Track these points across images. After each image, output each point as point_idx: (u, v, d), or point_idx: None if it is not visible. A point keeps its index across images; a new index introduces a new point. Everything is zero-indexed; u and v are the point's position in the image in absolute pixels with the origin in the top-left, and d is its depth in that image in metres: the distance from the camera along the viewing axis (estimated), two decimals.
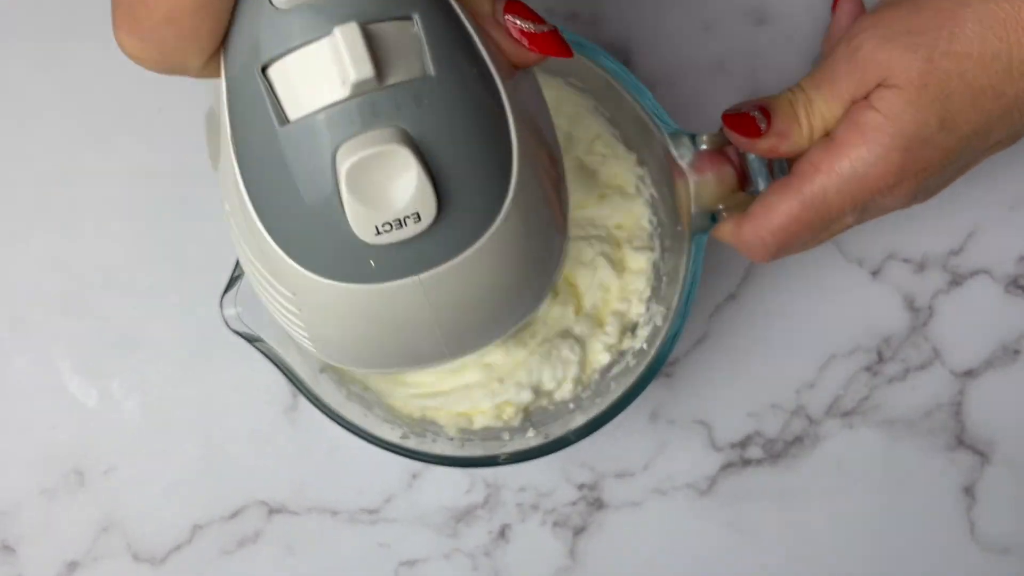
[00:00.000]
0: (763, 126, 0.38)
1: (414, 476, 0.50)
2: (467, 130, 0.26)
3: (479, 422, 0.46)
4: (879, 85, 0.37)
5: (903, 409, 0.51)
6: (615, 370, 0.45)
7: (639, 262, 0.46)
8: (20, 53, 0.49)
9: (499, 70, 0.27)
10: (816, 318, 0.51)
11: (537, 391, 0.45)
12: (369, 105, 0.25)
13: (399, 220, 0.25)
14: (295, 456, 0.50)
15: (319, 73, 0.25)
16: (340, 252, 0.26)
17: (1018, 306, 0.51)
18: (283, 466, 0.50)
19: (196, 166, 0.49)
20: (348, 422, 0.42)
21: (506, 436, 0.45)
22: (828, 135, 0.38)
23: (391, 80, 0.25)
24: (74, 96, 0.49)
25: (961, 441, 0.51)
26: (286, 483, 0.50)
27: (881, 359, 0.51)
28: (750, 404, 0.51)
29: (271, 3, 0.25)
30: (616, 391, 0.43)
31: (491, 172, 0.27)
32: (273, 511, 0.50)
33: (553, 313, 0.46)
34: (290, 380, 0.41)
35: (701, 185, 0.41)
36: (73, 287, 0.49)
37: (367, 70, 0.24)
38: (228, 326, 0.40)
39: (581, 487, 0.50)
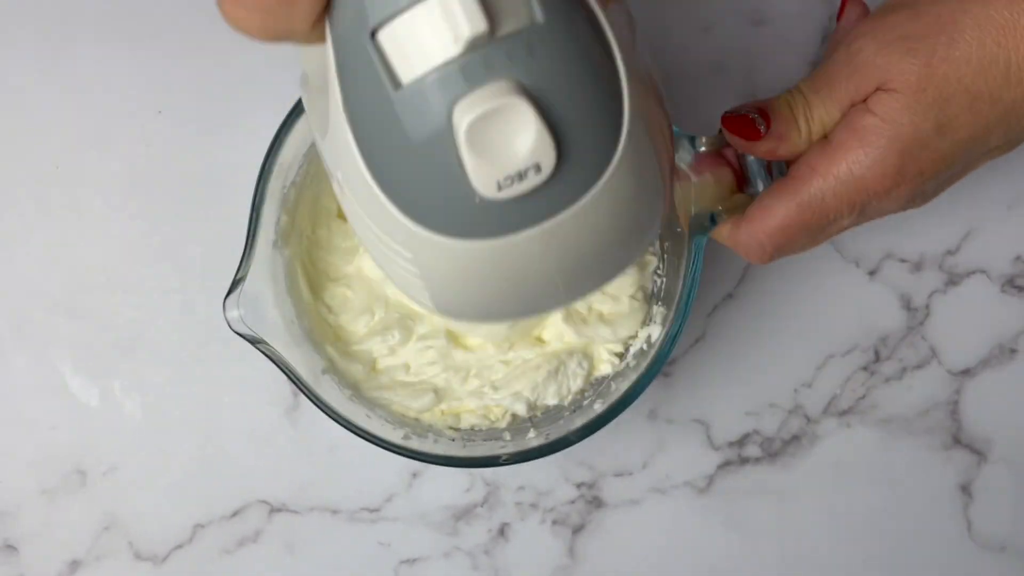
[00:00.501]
0: (762, 128, 0.39)
1: (414, 475, 0.50)
2: (580, 75, 0.26)
3: (467, 421, 0.46)
4: (877, 89, 0.37)
5: (900, 408, 0.51)
6: (616, 368, 0.46)
7: (641, 264, 0.46)
8: (22, 55, 0.49)
9: (601, 5, 0.27)
10: (813, 318, 0.51)
11: (533, 405, 0.46)
12: (482, 59, 0.25)
13: (520, 173, 0.25)
14: (295, 455, 0.50)
15: (430, 32, 0.24)
16: (461, 209, 0.26)
17: (1014, 305, 0.51)
18: (283, 465, 0.50)
19: (196, 168, 0.50)
20: (350, 423, 0.42)
21: (507, 436, 0.45)
22: (826, 138, 0.39)
23: (501, 31, 0.25)
24: (75, 97, 0.49)
25: (958, 440, 0.51)
26: (287, 482, 0.50)
27: (878, 358, 0.51)
28: (748, 403, 0.51)
29: None
30: (616, 392, 0.43)
31: (605, 115, 0.27)
32: (274, 510, 0.50)
33: (562, 327, 0.47)
34: (293, 381, 0.41)
35: (700, 187, 0.41)
36: (74, 288, 0.49)
37: (481, 24, 0.24)
38: (231, 328, 0.40)
39: (580, 486, 0.51)
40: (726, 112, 0.39)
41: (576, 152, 0.26)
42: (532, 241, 0.27)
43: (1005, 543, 0.51)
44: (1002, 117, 0.37)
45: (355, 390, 0.45)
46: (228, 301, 0.40)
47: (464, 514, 0.50)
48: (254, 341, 0.40)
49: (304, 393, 0.41)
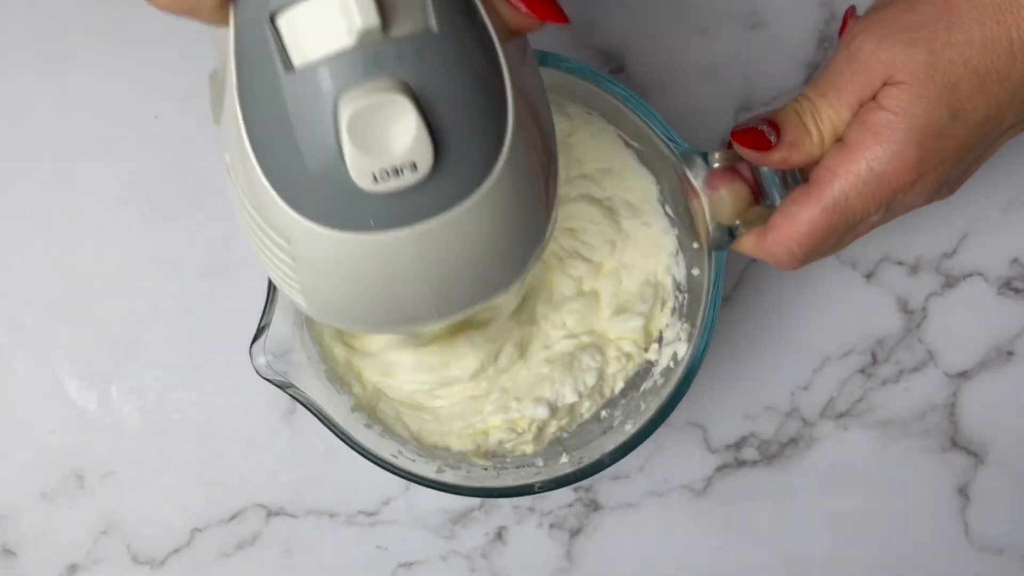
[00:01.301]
0: (772, 138, 0.38)
1: None
2: (465, 86, 0.27)
3: (494, 437, 0.46)
4: (885, 84, 0.37)
5: (897, 410, 0.51)
6: (644, 387, 0.46)
7: (658, 276, 0.47)
8: (21, 60, 0.49)
9: (498, 33, 0.28)
10: (810, 321, 0.51)
11: (554, 407, 0.46)
12: (373, 55, 0.26)
13: (396, 169, 0.26)
14: (293, 459, 0.50)
15: (326, 23, 0.26)
16: (337, 199, 0.27)
17: (1011, 308, 0.51)
18: (281, 469, 0.50)
19: (193, 172, 0.50)
20: (385, 461, 0.42)
21: (540, 463, 0.45)
22: (841, 140, 0.38)
23: (395, 33, 0.26)
24: (74, 103, 0.50)
25: (955, 442, 0.51)
26: (284, 486, 0.50)
27: (875, 361, 0.51)
28: (745, 406, 0.51)
29: None
30: (647, 411, 0.43)
31: (487, 129, 0.28)
32: (271, 514, 0.50)
33: (580, 319, 0.47)
34: (324, 423, 0.41)
35: (716, 202, 0.41)
36: (73, 292, 0.50)
37: (373, 19, 0.25)
38: (259, 374, 0.40)
39: (577, 489, 0.51)
40: (735, 127, 0.39)
41: (455, 158, 0.27)
42: (403, 242, 0.28)
43: (1002, 545, 0.51)
44: (1013, 94, 0.36)
45: (384, 426, 0.45)
46: (254, 348, 0.40)
47: (461, 517, 0.50)
48: (283, 386, 0.40)
49: (336, 434, 0.41)
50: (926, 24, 0.36)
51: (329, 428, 0.41)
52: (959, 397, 0.51)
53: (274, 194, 0.28)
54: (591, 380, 0.46)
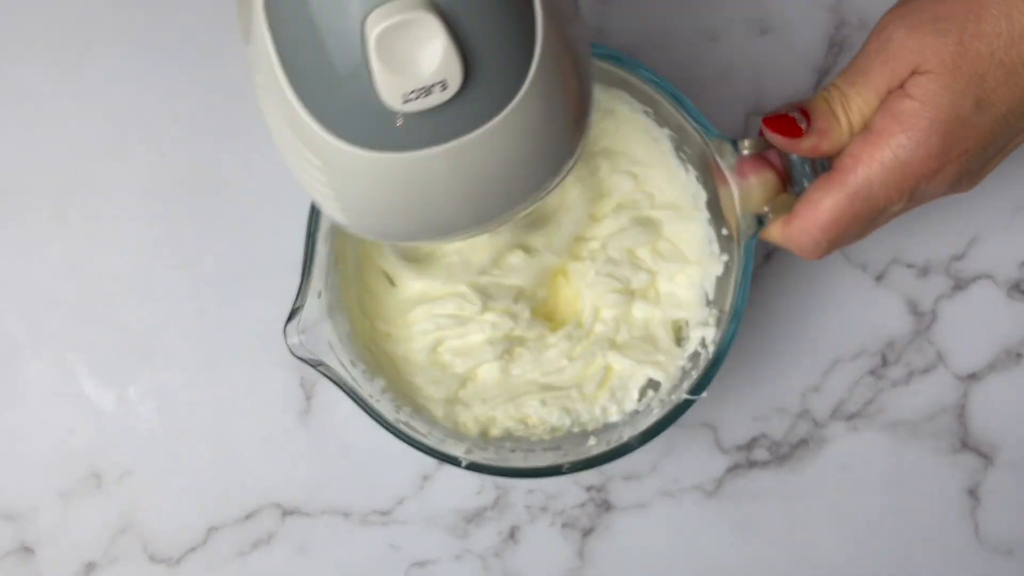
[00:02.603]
0: (803, 126, 0.39)
1: (425, 478, 0.51)
2: (494, 3, 0.26)
3: (500, 425, 0.47)
4: (913, 72, 0.37)
5: (907, 412, 0.51)
6: (669, 381, 0.46)
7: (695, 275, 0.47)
8: (39, 64, 0.50)
9: None
10: (820, 322, 0.51)
11: (577, 419, 0.47)
12: None
13: (426, 88, 0.26)
14: (308, 459, 0.50)
15: None
16: (368, 119, 0.27)
17: (1020, 310, 0.51)
18: (296, 469, 0.50)
19: (210, 175, 0.50)
20: (413, 439, 0.43)
21: (567, 446, 0.45)
22: (866, 127, 0.39)
23: None
24: (92, 107, 0.50)
25: (965, 444, 0.51)
26: (299, 485, 0.50)
27: (885, 363, 0.51)
28: (755, 407, 0.51)
29: None
30: (676, 396, 0.44)
31: (516, 43, 0.27)
32: (286, 513, 0.51)
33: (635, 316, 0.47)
34: (355, 400, 0.42)
35: (745, 190, 0.41)
36: (91, 294, 0.50)
37: None
38: (293, 354, 0.41)
39: (589, 489, 0.51)
40: (766, 114, 0.40)
41: (485, 74, 0.27)
42: (437, 159, 0.28)
43: (1012, 547, 0.52)
44: None
45: (413, 407, 0.45)
46: (288, 328, 0.41)
47: (474, 517, 0.51)
48: (314, 364, 0.41)
49: (365, 411, 0.42)
50: (956, 15, 0.37)
51: (358, 404, 0.42)
52: (969, 399, 0.51)
53: (306, 115, 0.28)
54: (618, 402, 0.47)
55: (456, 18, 0.26)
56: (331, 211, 0.32)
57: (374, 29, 0.25)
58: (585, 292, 0.48)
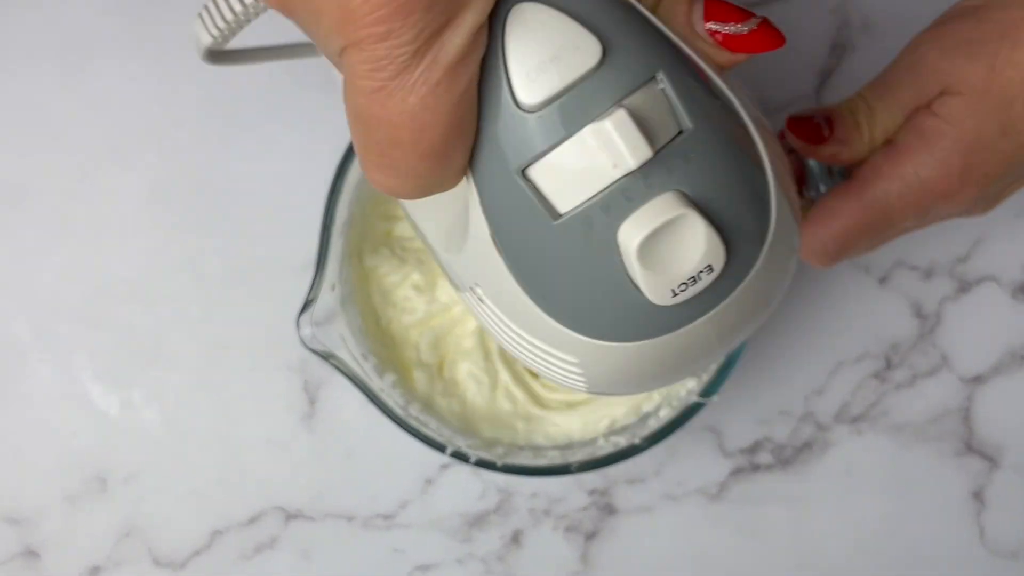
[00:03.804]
0: (826, 133, 0.39)
1: (428, 482, 0.51)
2: (733, 168, 0.26)
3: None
4: (941, 93, 0.37)
5: (911, 415, 0.51)
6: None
7: None
8: (44, 71, 0.50)
9: (728, 86, 0.27)
10: (824, 325, 0.51)
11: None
12: (642, 177, 0.25)
13: (693, 278, 0.26)
14: (311, 463, 0.51)
15: (589, 165, 0.25)
16: (633, 319, 0.27)
17: None
18: (299, 473, 0.51)
19: (214, 179, 0.51)
20: (422, 434, 0.43)
21: (576, 445, 0.46)
22: (890, 141, 0.39)
23: (656, 146, 0.25)
24: (96, 112, 0.50)
25: (970, 447, 0.51)
26: (302, 489, 0.51)
27: (889, 365, 0.51)
28: (759, 410, 0.51)
29: (518, 107, 0.25)
30: (687, 397, 0.44)
31: (758, 198, 0.27)
32: (290, 517, 0.51)
33: None
34: (365, 394, 0.42)
35: None
36: (95, 298, 0.50)
37: (646, 152, 0.24)
38: (305, 345, 0.42)
39: (592, 492, 0.51)
40: (791, 115, 0.40)
41: (738, 243, 0.26)
42: (700, 328, 0.27)
43: (1017, 550, 0.51)
44: None
45: (422, 402, 0.46)
46: (301, 320, 0.42)
47: (477, 521, 0.51)
48: (326, 356, 0.42)
49: (375, 404, 0.42)
50: (990, 40, 0.36)
51: (369, 397, 0.42)
52: (973, 401, 0.51)
53: (560, 327, 0.27)
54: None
55: (705, 200, 0.25)
56: (575, 386, 0.31)
57: (633, 239, 0.25)
58: None
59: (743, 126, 0.27)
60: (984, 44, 0.37)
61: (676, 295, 0.26)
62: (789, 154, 0.41)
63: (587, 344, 0.27)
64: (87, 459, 0.50)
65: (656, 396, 0.46)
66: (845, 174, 0.40)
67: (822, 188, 0.41)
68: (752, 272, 0.27)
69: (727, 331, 0.29)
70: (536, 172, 0.25)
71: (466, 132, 0.25)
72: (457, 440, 0.44)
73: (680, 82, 0.25)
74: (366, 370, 0.43)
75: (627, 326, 0.27)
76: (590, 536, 0.51)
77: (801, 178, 0.41)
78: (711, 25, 0.27)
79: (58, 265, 0.51)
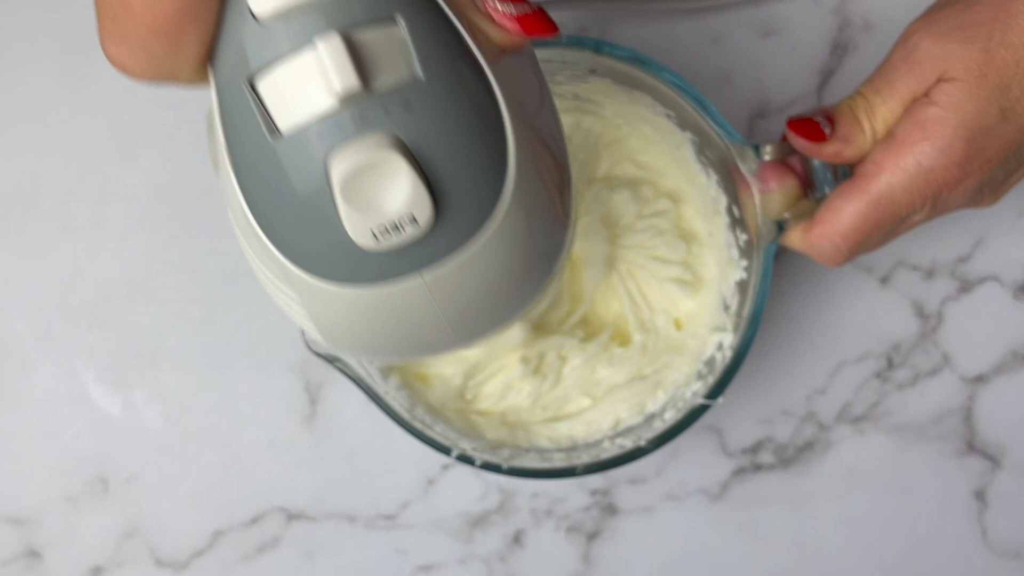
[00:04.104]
0: (827, 131, 0.39)
1: (430, 482, 0.51)
2: (460, 131, 0.26)
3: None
4: (938, 80, 0.37)
5: (913, 415, 0.51)
6: (685, 379, 0.46)
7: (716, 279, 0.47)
8: (45, 73, 0.51)
9: (489, 60, 0.27)
10: (826, 325, 0.51)
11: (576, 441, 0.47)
12: (358, 113, 0.25)
13: (396, 224, 0.25)
14: (313, 463, 0.51)
15: (307, 84, 0.25)
16: (340, 257, 0.27)
17: None
18: (301, 473, 0.51)
19: (214, 180, 0.50)
20: (428, 437, 0.43)
21: (581, 447, 0.46)
22: (889, 135, 0.39)
23: (379, 86, 0.25)
24: (97, 114, 0.51)
25: (971, 446, 0.51)
26: (304, 490, 0.51)
27: (891, 365, 0.51)
28: (761, 410, 0.51)
29: (252, 15, 0.25)
30: (692, 400, 0.44)
31: (487, 169, 0.27)
32: (292, 517, 0.51)
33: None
34: (370, 396, 0.42)
35: (766, 195, 0.41)
36: (97, 299, 0.51)
37: (351, 79, 0.24)
38: (309, 348, 0.41)
39: (594, 493, 0.51)
40: (791, 117, 0.40)
41: (457, 205, 0.26)
42: (413, 289, 0.27)
43: (1020, 550, 0.51)
44: None
45: (426, 405, 0.46)
46: None
47: (479, 521, 0.51)
48: (331, 360, 0.42)
49: (380, 406, 0.42)
50: (983, 23, 0.37)
51: (374, 400, 0.42)
52: (975, 401, 0.51)
53: (278, 254, 0.27)
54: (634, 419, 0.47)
55: (421, 151, 0.25)
56: (314, 335, 0.31)
57: (338, 171, 0.25)
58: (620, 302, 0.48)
59: (491, 98, 0.26)
60: (977, 28, 0.37)
61: (378, 239, 0.25)
62: (794, 156, 0.41)
63: (303, 280, 0.27)
64: (89, 460, 0.50)
65: (661, 396, 0.46)
66: (849, 174, 0.40)
67: (827, 190, 0.41)
68: (476, 242, 0.27)
69: (454, 306, 0.28)
70: (264, 84, 0.25)
71: (199, 19, 0.25)
72: (462, 443, 0.44)
73: (423, 33, 0.25)
74: (371, 373, 0.43)
75: (336, 265, 0.27)
76: (592, 536, 0.51)
77: (805, 181, 0.41)
78: (490, 2, 0.27)
79: (59, 266, 0.51)
